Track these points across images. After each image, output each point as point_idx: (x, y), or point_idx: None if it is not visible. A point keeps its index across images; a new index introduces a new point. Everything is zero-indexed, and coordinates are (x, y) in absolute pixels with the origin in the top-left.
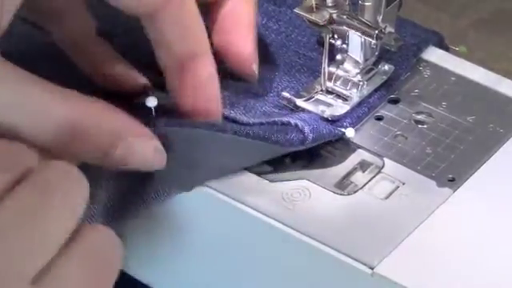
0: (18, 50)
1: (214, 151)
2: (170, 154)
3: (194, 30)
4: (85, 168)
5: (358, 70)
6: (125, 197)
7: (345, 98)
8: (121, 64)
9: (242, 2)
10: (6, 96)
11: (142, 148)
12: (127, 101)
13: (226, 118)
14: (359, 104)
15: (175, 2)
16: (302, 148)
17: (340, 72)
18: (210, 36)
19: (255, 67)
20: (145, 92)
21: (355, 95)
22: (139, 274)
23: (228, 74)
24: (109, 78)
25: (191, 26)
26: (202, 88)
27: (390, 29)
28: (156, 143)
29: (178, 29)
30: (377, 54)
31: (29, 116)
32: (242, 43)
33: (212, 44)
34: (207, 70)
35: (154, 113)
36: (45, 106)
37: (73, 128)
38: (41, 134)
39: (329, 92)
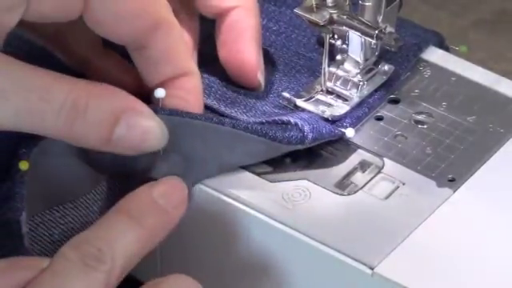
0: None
1: (213, 144)
2: (169, 148)
3: (180, 54)
4: (86, 165)
5: (358, 70)
6: (125, 188)
7: (345, 98)
8: (131, 73)
9: (247, 15)
10: (7, 82)
11: (143, 124)
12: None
13: (226, 116)
14: (359, 104)
15: (163, 29)
16: (301, 147)
17: (340, 72)
18: (215, 48)
19: (260, 77)
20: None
21: (355, 95)
22: (139, 273)
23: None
24: (121, 87)
25: (178, 49)
26: (186, 101)
27: (390, 29)
28: (157, 119)
29: (166, 53)
30: (377, 54)
31: (31, 100)
32: (247, 54)
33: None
34: (192, 84)
35: (160, 104)
36: (47, 89)
37: (74, 108)
38: (44, 118)
39: (329, 92)
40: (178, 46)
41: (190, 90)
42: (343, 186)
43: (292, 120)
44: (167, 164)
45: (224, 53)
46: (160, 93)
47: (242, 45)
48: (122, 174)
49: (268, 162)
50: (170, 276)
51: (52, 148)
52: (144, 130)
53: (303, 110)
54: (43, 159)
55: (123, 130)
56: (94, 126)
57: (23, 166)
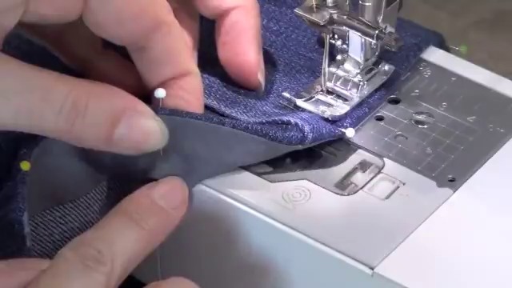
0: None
1: (213, 144)
2: (169, 149)
3: (180, 54)
4: (87, 165)
5: (358, 70)
6: (126, 187)
7: (345, 99)
8: (131, 73)
9: (247, 15)
10: (8, 82)
11: (144, 124)
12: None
13: (226, 116)
14: (359, 104)
15: (163, 29)
16: (301, 147)
17: (340, 72)
18: (215, 48)
19: (261, 77)
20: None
21: (355, 95)
22: (139, 273)
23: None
24: (122, 87)
25: (178, 50)
26: (186, 101)
27: (390, 29)
28: (158, 119)
29: (166, 54)
30: (377, 54)
31: (32, 100)
32: (247, 54)
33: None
34: (193, 84)
35: (161, 104)
36: (47, 89)
37: (75, 108)
38: (44, 118)
39: (329, 92)
40: (179, 47)
41: (190, 90)
42: (343, 186)
43: (292, 120)
44: (167, 164)
45: (224, 53)
46: (160, 93)
47: (242, 45)
48: (123, 174)
49: (268, 162)
50: (170, 279)
51: (53, 148)
52: (145, 130)
53: (303, 110)
54: (44, 159)
55: (124, 130)
56: (95, 126)
57: (24, 166)
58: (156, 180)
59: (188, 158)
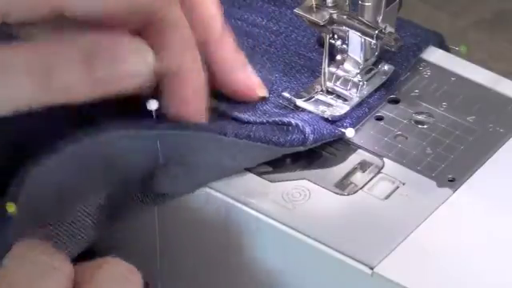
0: None
1: (215, 153)
2: (171, 157)
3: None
4: (86, 168)
5: (358, 70)
6: (125, 198)
7: (345, 99)
8: None
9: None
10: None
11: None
12: (127, 104)
13: (226, 116)
14: (359, 104)
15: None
16: (303, 149)
17: (340, 72)
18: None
19: (261, 91)
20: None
21: (355, 95)
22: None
23: None
24: None
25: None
26: (188, 102)
27: (390, 29)
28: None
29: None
30: (377, 54)
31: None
32: (237, 83)
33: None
34: (194, 83)
35: (154, 116)
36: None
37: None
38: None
39: (329, 92)
40: (172, 42)
41: (191, 93)
42: (343, 186)
43: (293, 121)
44: (168, 176)
45: (218, 85)
46: (153, 104)
47: (229, 76)
48: (122, 188)
49: (268, 162)
50: (104, 260)
51: (49, 163)
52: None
53: (303, 110)
54: (39, 177)
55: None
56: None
57: (10, 208)
58: (156, 185)
59: (190, 168)
